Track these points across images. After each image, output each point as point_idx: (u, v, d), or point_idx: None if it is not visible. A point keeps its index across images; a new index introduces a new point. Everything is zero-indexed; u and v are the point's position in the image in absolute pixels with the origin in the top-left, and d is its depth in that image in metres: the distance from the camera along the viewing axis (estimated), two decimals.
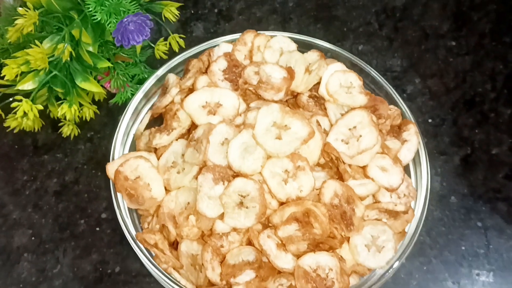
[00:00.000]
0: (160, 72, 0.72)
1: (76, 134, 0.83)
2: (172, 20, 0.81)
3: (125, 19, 0.74)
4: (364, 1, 1.00)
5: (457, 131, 0.88)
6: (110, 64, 0.79)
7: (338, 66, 0.69)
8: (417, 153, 0.69)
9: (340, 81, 0.68)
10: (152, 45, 0.82)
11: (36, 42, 0.72)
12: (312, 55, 0.71)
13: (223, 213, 0.61)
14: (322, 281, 0.59)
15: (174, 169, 0.65)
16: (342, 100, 0.66)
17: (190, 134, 0.66)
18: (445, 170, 0.85)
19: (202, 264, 0.60)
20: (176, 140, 0.66)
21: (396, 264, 0.62)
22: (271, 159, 0.60)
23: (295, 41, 0.74)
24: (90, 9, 0.76)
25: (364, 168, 0.65)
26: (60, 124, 0.82)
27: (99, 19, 0.76)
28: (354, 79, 0.68)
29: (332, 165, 0.64)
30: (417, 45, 0.96)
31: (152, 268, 0.62)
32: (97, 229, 0.79)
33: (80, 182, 0.82)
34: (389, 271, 0.62)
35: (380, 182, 0.63)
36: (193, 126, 0.67)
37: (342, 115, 0.65)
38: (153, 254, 0.63)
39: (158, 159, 0.66)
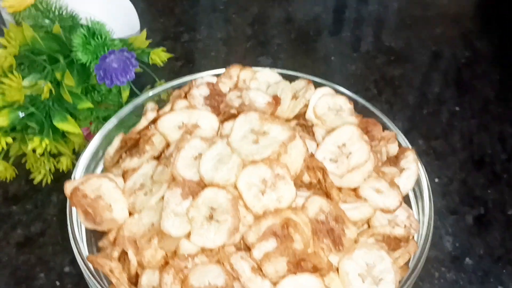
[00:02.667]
0: (139, 100, 0.68)
1: (49, 182, 0.77)
2: (159, 64, 0.79)
3: (108, 54, 0.72)
4: (361, 71, 0.98)
5: (467, 190, 0.80)
6: (91, 105, 0.75)
7: (327, 90, 0.64)
8: (418, 185, 0.61)
9: (328, 104, 0.62)
10: (138, 93, 0.80)
11: (14, 73, 0.69)
12: (300, 83, 0.66)
13: (189, 232, 0.52)
14: None
15: (141, 192, 0.58)
16: (330, 122, 0.60)
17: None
18: (457, 229, 0.75)
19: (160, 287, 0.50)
20: (147, 162, 0.60)
21: None
22: (246, 167, 0.53)
23: (284, 76, 0.70)
24: (76, 52, 0.75)
25: (356, 190, 0.56)
26: (33, 172, 0.76)
27: (83, 60, 0.75)
28: (343, 102, 0.63)
29: (320, 186, 0.56)
30: (419, 109, 0.91)
31: None
32: (57, 283, 0.69)
33: (47, 234, 0.74)
34: None
35: (375, 203, 0.55)
36: (167, 148, 0.61)
37: (329, 131, 0.58)
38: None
39: (125, 182, 0.59)
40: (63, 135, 0.79)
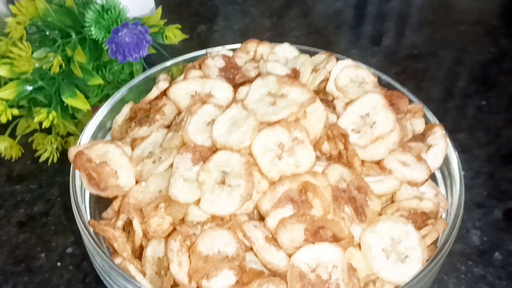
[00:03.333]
0: (152, 71, 0.65)
1: (55, 160, 0.73)
2: (174, 43, 0.76)
3: (121, 27, 0.69)
4: (382, 64, 0.94)
5: (495, 184, 0.75)
6: (102, 82, 0.72)
7: (349, 62, 0.60)
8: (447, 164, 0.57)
9: (350, 76, 0.59)
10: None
11: (23, 41, 0.67)
12: (320, 56, 0.63)
13: (199, 199, 0.48)
14: (323, 284, 0.44)
15: (149, 159, 0.54)
16: (352, 93, 0.56)
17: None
18: (485, 223, 0.70)
19: (166, 255, 0.46)
20: (157, 130, 0.56)
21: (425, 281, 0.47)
22: (262, 131, 0.49)
23: (304, 52, 0.66)
24: (89, 28, 0.72)
25: (379, 163, 0.52)
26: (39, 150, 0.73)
27: (95, 36, 0.72)
28: (367, 75, 0.59)
29: (340, 158, 0.52)
30: (443, 103, 0.87)
31: (104, 265, 0.47)
32: (58, 264, 0.65)
33: (50, 214, 0.71)
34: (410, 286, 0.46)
35: (401, 174, 0.51)
36: (178, 116, 0.57)
37: (352, 100, 0.54)
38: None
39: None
40: (72, 117, 0.76)
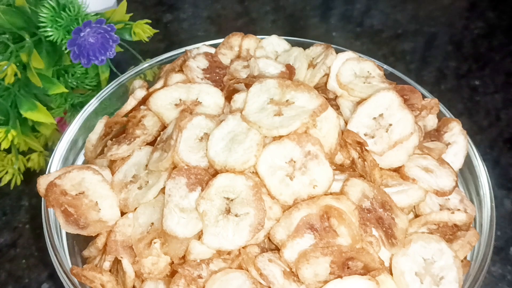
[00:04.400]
0: (124, 78, 0.56)
1: (19, 183, 0.65)
2: (144, 39, 0.68)
3: (83, 27, 0.60)
4: (368, 46, 0.88)
5: (502, 172, 0.71)
6: (65, 90, 0.63)
7: (350, 54, 0.53)
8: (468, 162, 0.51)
9: (354, 70, 0.52)
10: (120, 75, 0.68)
11: None
12: (316, 49, 0.56)
13: (201, 231, 0.41)
14: None
15: (134, 185, 0.46)
16: (359, 91, 0.50)
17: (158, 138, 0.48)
18: (497, 216, 0.65)
19: None
20: (139, 149, 0.48)
21: None
22: (268, 146, 0.42)
23: (294, 45, 0.59)
24: (45, 28, 0.63)
25: (399, 170, 0.46)
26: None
27: (53, 38, 0.63)
28: (371, 68, 0.53)
29: (353, 168, 0.46)
30: (436, 85, 0.82)
31: None
32: None
33: (18, 245, 0.62)
34: None
35: (426, 183, 0.44)
36: (163, 131, 0.49)
37: (362, 100, 0.48)
38: None
39: (113, 175, 0.48)
40: (33, 130, 0.67)
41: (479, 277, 0.42)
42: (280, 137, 0.42)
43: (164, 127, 0.49)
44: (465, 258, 0.45)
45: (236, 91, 0.50)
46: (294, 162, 0.42)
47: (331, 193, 0.41)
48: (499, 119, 0.77)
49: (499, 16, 0.94)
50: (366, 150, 0.43)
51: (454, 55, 0.87)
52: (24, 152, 0.66)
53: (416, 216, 0.46)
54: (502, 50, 0.87)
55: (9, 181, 0.64)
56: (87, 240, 0.48)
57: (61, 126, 0.68)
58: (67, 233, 0.48)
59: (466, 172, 0.51)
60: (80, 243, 0.48)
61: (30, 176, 0.66)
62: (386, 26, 0.92)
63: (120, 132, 0.52)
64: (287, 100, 0.44)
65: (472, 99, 0.80)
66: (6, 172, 0.63)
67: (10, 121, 0.60)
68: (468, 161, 0.51)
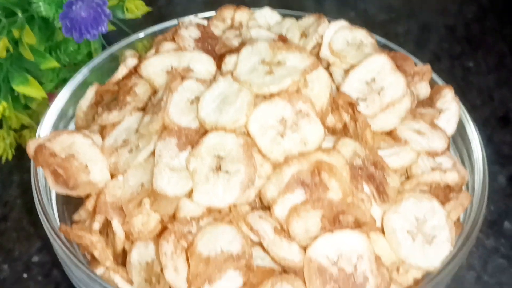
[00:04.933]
0: (116, 47, 0.56)
1: (10, 157, 0.64)
2: (137, 16, 0.67)
3: (75, 0, 0.60)
4: None
5: (495, 148, 0.71)
6: (57, 64, 0.63)
7: (343, 22, 0.53)
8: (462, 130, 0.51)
9: (347, 39, 0.52)
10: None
11: None
12: (308, 19, 0.56)
13: (191, 190, 0.41)
14: (348, 278, 0.37)
15: (124, 149, 0.46)
16: (351, 58, 0.50)
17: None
18: (491, 191, 0.65)
19: (158, 260, 0.39)
20: (130, 114, 0.48)
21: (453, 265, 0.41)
22: (259, 106, 0.42)
23: (286, 16, 0.59)
24: (37, 3, 0.63)
25: (391, 134, 0.46)
26: None
27: (45, 14, 0.63)
28: (364, 36, 0.52)
29: (345, 132, 0.46)
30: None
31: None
32: (25, 275, 0.57)
33: (9, 218, 0.62)
34: (443, 275, 0.40)
35: (418, 145, 0.44)
36: (154, 96, 0.49)
37: (354, 65, 0.48)
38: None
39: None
40: (26, 107, 0.67)
41: (471, 235, 0.41)
42: (271, 96, 0.42)
43: (155, 93, 0.49)
44: (458, 220, 0.45)
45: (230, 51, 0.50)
46: (285, 120, 0.41)
47: (323, 149, 0.40)
48: (492, 98, 0.77)
49: (492, 1, 0.94)
50: (357, 111, 0.43)
51: (448, 38, 0.87)
52: (16, 130, 0.66)
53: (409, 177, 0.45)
54: (495, 33, 0.88)
55: (0, 156, 0.63)
56: (77, 206, 0.48)
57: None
58: (57, 201, 0.47)
59: (459, 140, 0.51)
60: (70, 209, 0.48)
61: (22, 152, 0.66)
62: (380, 10, 0.92)
63: (110, 100, 0.52)
64: (278, 61, 0.44)
65: (465, 79, 0.80)
66: None
67: (1, 94, 0.60)
68: (460, 128, 0.51)
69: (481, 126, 0.72)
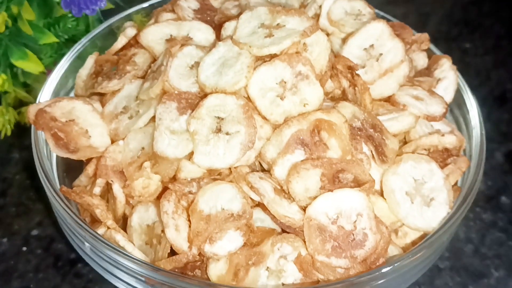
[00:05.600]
0: (115, 19, 0.56)
1: (9, 133, 0.64)
2: None
3: None
4: None
5: (493, 126, 0.71)
6: (56, 39, 0.63)
7: None
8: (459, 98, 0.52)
9: (345, 8, 0.52)
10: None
11: None
12: None
13: (192, 152, 0.41)
14: (347, 236, 0.38)
15: (124, 115, 0.46)
16: (350, 27, 0.50)
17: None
18: (488, 167, 0.66)
19: (160, 220, 0.39)
20: (130, 82, 0.48)
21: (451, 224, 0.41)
22: (259, 68, 0.42)
23: None
24: None
25: (390, 99, 0.46)
26: None
27: None
28: (362, 6, 0.53)
29: (345, 98, 0.46)
30: None
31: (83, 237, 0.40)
32: (24, 249, 0.57)
33: (8, 194, 0.62)
34: (440, 235, 0.40)
35: (416, 110, 0.45)
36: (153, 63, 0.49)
37: (353, 32, 0.48)
38: None
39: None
40: (25, 85, 0.67)
41: (468, 197, 0.41)
42: (271, 57, 0.42)
43: (154, 60, 0.49)
44: (456, 184, 0.45)
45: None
46: (285, 82, 0.42)
47: (323, 108, 0.41)
48: (489, 78, 0.78)
49: None
50: (356, 75, 0.44)
51: (445, 20, 0.87)
52: (15, 107, 0.66)
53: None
54: (491, 16, 0.88)
55: None
56: (78, 174, 0.48)
57: None
58: (57, 166, 0.48)
59: (456, 108, 0.52)
60: (70, 176, 0.48)
61: (21, 129, 0.66)
62: None
63: (110, 70, 0.52)
64: (277, 24, 0.44)
65: (463, 61, 0.80)
66: None
67: (1, 68, 0.60)
68: (458, 98, 0.51)
69: (479, 105, 0.73)
